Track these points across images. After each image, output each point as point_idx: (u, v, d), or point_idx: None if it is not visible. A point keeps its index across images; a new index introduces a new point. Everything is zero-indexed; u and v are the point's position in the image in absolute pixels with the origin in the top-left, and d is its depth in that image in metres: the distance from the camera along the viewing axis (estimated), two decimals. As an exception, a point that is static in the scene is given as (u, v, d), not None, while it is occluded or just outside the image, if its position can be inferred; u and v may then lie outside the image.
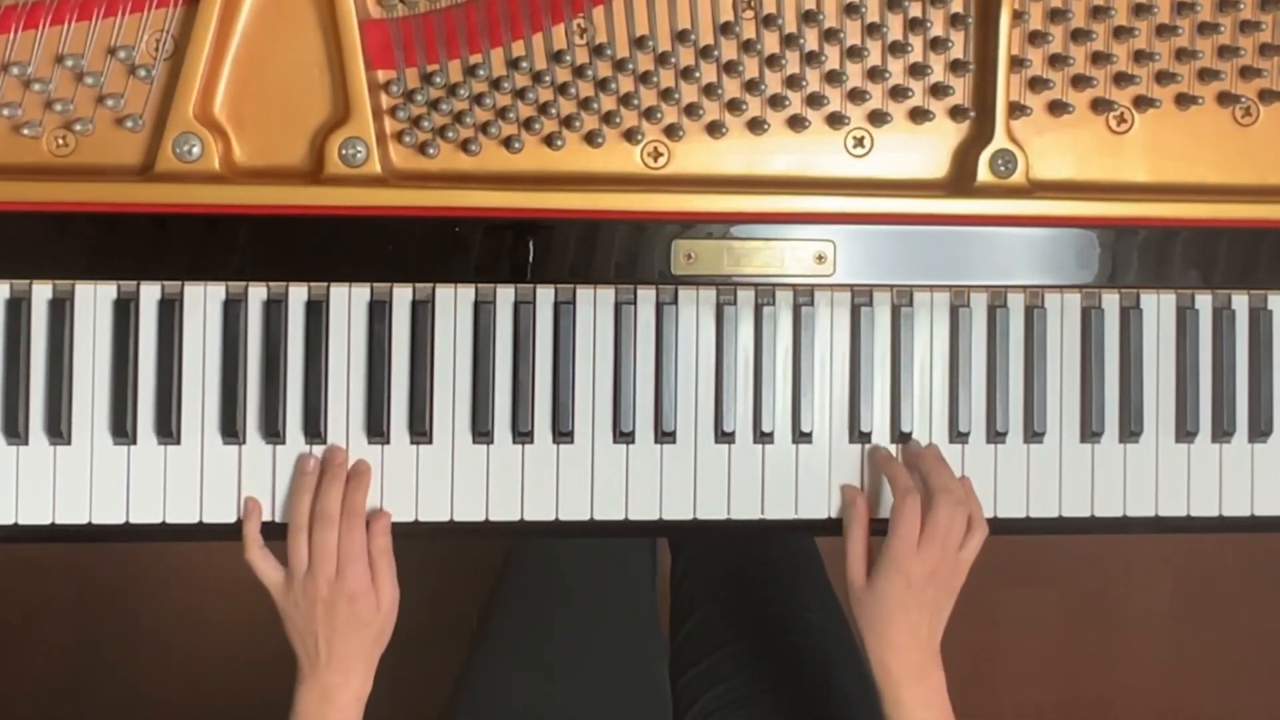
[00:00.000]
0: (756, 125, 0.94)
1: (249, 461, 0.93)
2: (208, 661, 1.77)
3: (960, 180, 0.95)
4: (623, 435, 0.94)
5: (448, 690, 1.10)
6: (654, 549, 1.28)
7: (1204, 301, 0.98)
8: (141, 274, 0.92)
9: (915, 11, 0.93)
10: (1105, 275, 0.96)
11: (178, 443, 0.92)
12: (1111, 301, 0.97)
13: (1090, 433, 0.97)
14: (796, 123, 0.94)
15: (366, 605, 0.88)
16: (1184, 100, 0.96)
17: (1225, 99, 0.97)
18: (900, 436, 0.96)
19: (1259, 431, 0.98)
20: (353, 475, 0.92)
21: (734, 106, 0.93)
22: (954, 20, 0.94)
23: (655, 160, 0.94)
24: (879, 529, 0.92)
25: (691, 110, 0.93)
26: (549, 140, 0.93)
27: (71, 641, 1.77)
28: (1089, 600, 1.90)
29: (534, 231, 0.92)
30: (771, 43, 0.93)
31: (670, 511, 0.95)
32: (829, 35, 0.93)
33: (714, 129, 0.94)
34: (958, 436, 0.96)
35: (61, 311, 0.91)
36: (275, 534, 0.92)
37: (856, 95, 0.94)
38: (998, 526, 0.97)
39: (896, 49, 0.94)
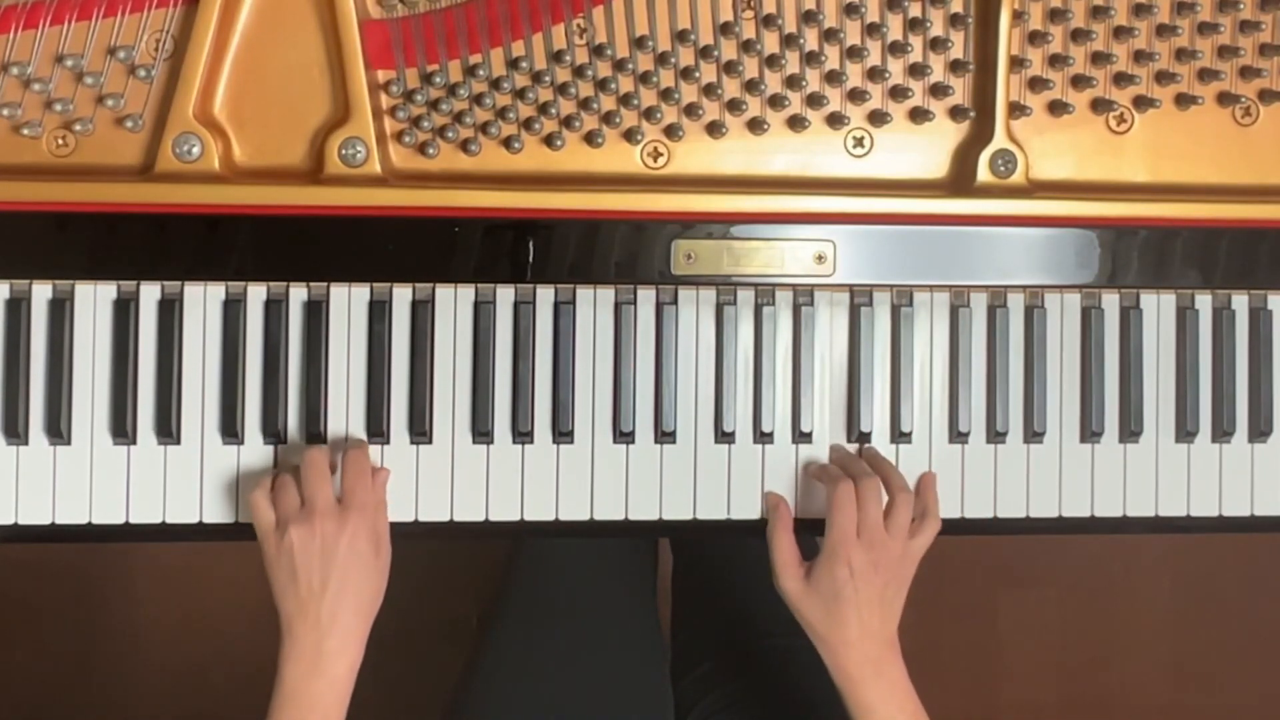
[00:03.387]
0: (756, 125, 0.94)
1: (249, 461, 0.93)
2: (207, 661, 1.77)
3: (960, 180, 0.95)
4: (623, 435, 0.94)
5: (448, 691, 1.10)
6: (654, 549, 1.28)
7: (1204, 301, 0.98)
8: (141, 274, 0.92)
9: (915, 11, 0.93)
10: (1105, 275, 0.96)
11: (178, 443, 0.92)
12: (1111, 301, 0.97)
13: (1090, 433, 0.97)
14: (796, 123, 0.94)
15: (368, 545, 0.84)
16: (1184, 100, 0.96)
17: (1225, 99, 0.97)
18: (900, 436, 0.96)
19: (1259, 431, 0.98)
20: (353, 444, 0.92)
21: (734, 106, 0.93)
22: (954, 20, 0.94)
23: (655, 160, 0.94)
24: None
25: (691, 110, 0.93)
26: (549, 140, 0.93)
27: (71, 641, 1.77)
28: (1089, 600, 1.90)
29: (534, 231, 0.92)
30: (771, 43, 0.93)
31: (670, 511, 0.95)
32: (829, 35, 0.93)
33: (714, 129, 0.94)
34: (958, 436, 0.96)
35: (61, 311, 0.91)
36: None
37: (856, 95, 0.94)
38: (998, 526, 0.97)
39: (896, 49, 0.94)
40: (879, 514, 0.88)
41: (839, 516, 0.87)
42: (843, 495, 0.88)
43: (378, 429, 0.93)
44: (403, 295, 0.93)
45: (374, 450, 0.93)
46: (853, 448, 0.96)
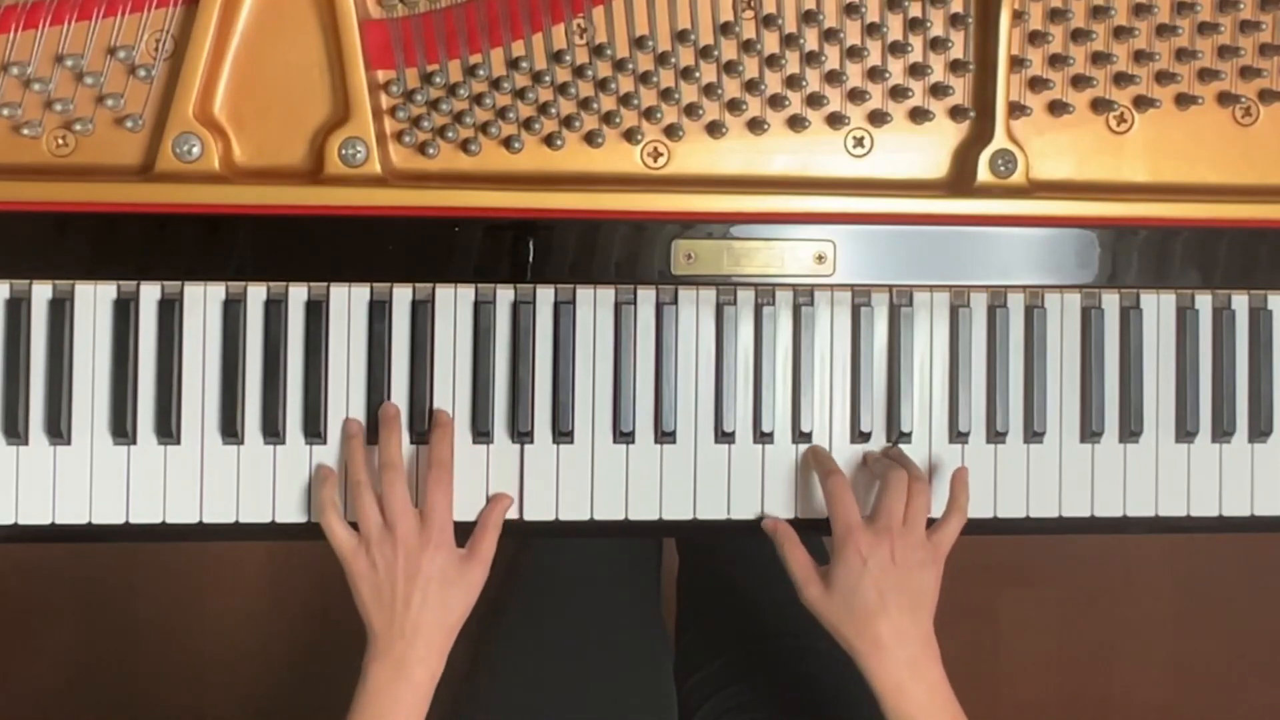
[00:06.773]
0: (756, 125, 0.94)
1: (249, 461, 0.93)
2: (208, 661, 1.77)
3: (960, 180, 0.95)
4: (623, 435, 0.94)
5: (449, 691, 1.10)
6: (659, 550, 1.28)
7: (1204, 301, 0.98)
8: (141, 274, 0.92)
9: (915, 11, 0.93)
10: (1105, 275, 0.96)
11: (178, 443, 0.92)
12: (1111, 301, 0.97)
13: (1090, 433, 0.97)
14: (796, 123, 0.94)
15: (450, 561, 0.85)
16: (1184, 100, 0.96)
17: (1225, 99, 0.97)
18: (900, 436, 0.96)
19: (1259, 431, 0.98)
20: (435, 425, 0.92)
21: (734, 106, 0.93)
22: (954, 20, 0.94)
23: (655, 160, 0.94)
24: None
25: (691, 110, 0.93)
26: (549, 140, 0.93)
27: (72, 642, 1.77)
28: (1089, 600, 1.90)
29: (534, 231, 0.92)
30: (771, 43, 0.93)
31: (670, 512, 0.95)
32: (829, 35, 0.93)
33: (714, 129, 0.94)
34: (958, 436, 0.96)
35: (61, 311, 0.91)
36: (281, 534, 0.93)
37: (856, 95, 0.94)
38: (998, 526, 0.97)
39: (896, 49, 0.94)
40: (898, 505, 0.87)
41: (837, 509, 0.88)
42: (835, 487, 0.88)
43: (378, 429, 0.93)
44: (403, 295, 0.93)
45: (374, 451, 0.93)
46: (856, 448, 0.96)
